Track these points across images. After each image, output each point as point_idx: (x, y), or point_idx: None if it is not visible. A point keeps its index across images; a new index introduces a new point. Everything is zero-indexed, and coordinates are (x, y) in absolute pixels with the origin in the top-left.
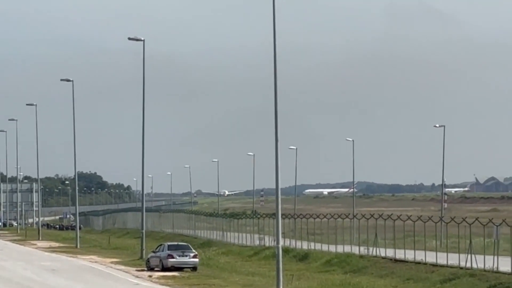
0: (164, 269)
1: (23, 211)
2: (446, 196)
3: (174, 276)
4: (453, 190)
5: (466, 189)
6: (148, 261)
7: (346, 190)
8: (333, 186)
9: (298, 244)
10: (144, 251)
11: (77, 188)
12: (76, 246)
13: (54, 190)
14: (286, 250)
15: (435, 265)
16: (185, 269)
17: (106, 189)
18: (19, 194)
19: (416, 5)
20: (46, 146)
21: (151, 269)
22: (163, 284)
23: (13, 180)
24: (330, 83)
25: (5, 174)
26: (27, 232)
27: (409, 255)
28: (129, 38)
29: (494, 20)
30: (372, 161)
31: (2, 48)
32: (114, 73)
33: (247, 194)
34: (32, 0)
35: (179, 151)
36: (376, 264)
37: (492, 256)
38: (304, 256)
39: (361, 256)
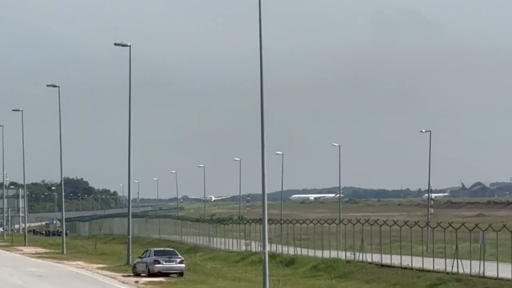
0: (151, 274)
1: (9, 217)
2: (432, 202)
3: (160, 282)
4: (432, 195)
5: (446, 194)
6: (135, 267)
7: (333, 195)
8: (320, 192)
9: (285, 249)
10: (130, 257)
11: (63, 193)
12: (63, 252)
13: (40, 196)
14: (272, 256)
15: (421, 270)
16: (171, 275)
17: (92, 195)
18: (5, 200)
19: (402, 14)
20: (33, 152)
21: (137, 274)
22: None
23: None
24: (317, 89)
25: None
26: (13, 238)
27: (396, 260)
28: (115, 44)
29: (478, 27)
30: (358, 166)
31: None
32: (100, 78)
33: (233, 199)
34: (18, 5)
35: (166, 156)
36: (362, 270)
37: (478, 261)
38: (290, 262)
39: (348, 261)
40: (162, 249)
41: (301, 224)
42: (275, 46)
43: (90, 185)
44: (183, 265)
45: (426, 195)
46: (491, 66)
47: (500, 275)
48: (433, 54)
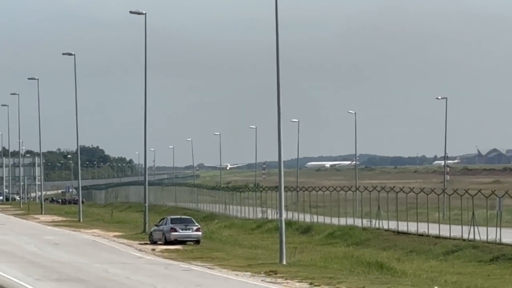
0: (167, 242)
1: (25, 185)
2: (448, 168)
3: (177, 250)
4: (441, 162)
5: (456, 161)
6: (151, 235)
7: (348, 162)
8: (335, 159)
9: (301, 217)
10: (147, 225)
11: (79, 162)
12: (79, 220)
13: (56, 164)
14: (289, 223)
15: (438, 237)
16: (188, 243)
17: (108, 163)
18: (21, 168)
19: None
20: (48, 120)
21: (154, 242)
22: (166, 258)
23: (15, 154)
24: (332, 56)
25: (7, 148)
26: (29, 207)
27: (412, 227)
28: (131, 12)
29: None
30: (374, 133)
31: (3, 21)
32: (116, 46)
33: (249, 167)
34: None
35: (182, 124)
36: (379, 237)
37: (494, 228)
38: (307, 229)
39: (364, 229)
40: (178, 217)
41: (317, 191)
42: (290, 11)
43: (106, 153)
44: (199, 233)
45: (436, 162)
46: (508, 31)
47: None
48: (449, 19)
